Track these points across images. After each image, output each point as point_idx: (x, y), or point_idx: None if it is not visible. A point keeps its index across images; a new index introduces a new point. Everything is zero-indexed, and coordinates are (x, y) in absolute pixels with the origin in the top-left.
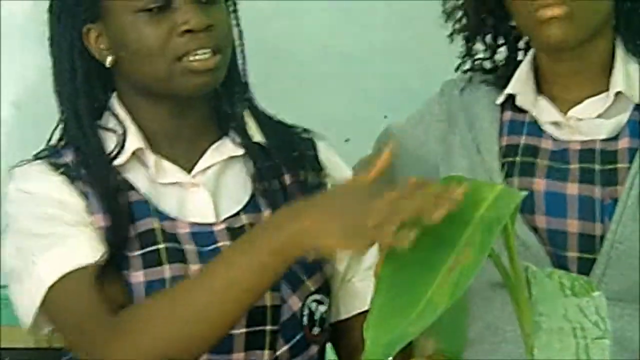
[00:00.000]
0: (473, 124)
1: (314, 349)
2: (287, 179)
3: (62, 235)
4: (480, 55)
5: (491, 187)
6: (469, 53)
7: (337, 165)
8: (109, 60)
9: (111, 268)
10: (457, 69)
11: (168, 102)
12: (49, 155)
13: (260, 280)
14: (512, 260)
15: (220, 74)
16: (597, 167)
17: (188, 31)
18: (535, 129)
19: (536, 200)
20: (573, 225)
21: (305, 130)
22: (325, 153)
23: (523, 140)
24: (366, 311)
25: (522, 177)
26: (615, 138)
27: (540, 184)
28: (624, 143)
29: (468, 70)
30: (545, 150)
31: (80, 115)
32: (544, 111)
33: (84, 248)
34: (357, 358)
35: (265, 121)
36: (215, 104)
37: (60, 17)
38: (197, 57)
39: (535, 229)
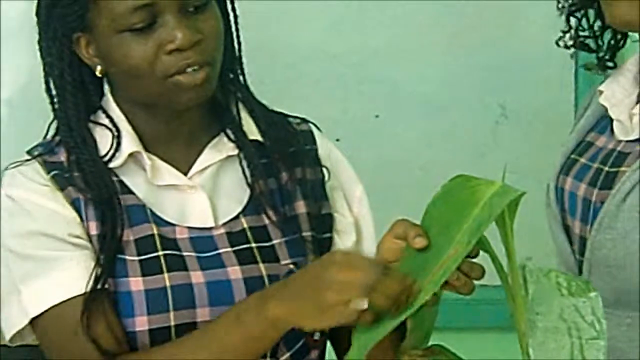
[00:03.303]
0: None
1: (315, 353)
2: (284, 177)
3: (46, 262)
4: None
5: (490, 185)
6: (572, 29)
7: (337, 159)
8: (98, 69)
9: (102, 294)
10: (557, 42)
11: (162, 109)
12: (43, 152)
13: (255, 348)
14: (509, 258)
15: (210, 86)
16: (606, 168)
17: (176, 49)
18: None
19: (565, 201)
20: (576, 226)
21: (304, 121)
22: (325, 147)
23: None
24: None
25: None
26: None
27: (568, 183)
28: None
29: (570, 46)
30: (595, 147)
31: (70, 120)
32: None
33: (70, 278)
34: None
35: (261, 116)
36: (212, 101)
37: (48, 23)
38: (185, 73)
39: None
